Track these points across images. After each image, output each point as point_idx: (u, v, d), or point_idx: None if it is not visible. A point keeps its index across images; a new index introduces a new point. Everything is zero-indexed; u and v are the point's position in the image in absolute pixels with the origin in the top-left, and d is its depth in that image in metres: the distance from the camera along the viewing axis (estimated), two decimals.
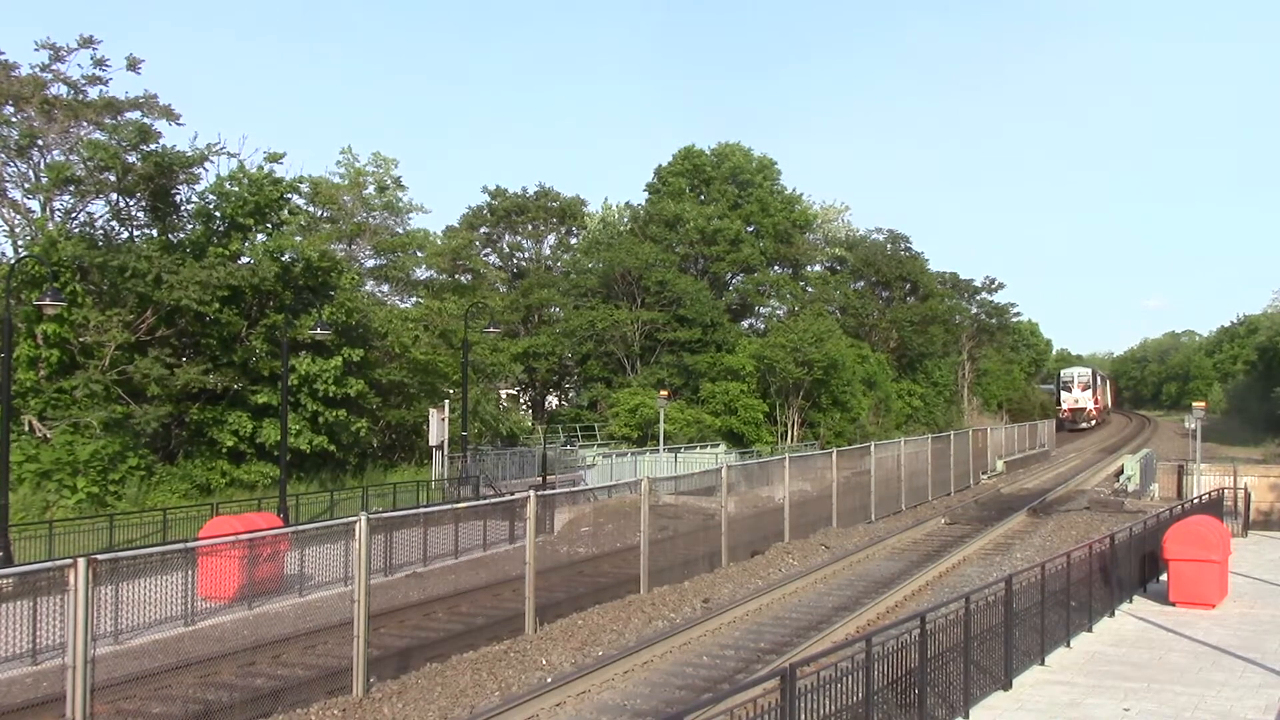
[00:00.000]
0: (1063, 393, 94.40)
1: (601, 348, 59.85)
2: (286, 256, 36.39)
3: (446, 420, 37.09)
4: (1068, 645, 13.92)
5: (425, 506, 28.37)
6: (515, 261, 71.47)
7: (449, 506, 25.48)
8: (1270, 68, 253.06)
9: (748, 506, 24.45)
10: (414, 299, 55.36)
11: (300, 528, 20.85)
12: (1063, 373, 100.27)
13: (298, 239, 37.44)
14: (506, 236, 70.99)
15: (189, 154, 35.64)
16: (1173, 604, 16.65)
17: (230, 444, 33.95)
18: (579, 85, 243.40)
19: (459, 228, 67.27)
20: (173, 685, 13.25)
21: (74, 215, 34.99)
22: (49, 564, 13.76)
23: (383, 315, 42.51)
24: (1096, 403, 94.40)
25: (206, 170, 37.60)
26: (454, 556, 22.56)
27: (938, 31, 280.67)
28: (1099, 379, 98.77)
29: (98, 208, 35.61)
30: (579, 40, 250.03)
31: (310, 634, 15.68)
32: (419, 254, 55.85)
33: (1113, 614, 16.05)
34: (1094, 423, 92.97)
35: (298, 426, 34.41)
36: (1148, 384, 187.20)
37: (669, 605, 17.32)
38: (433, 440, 37.30)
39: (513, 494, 25.63)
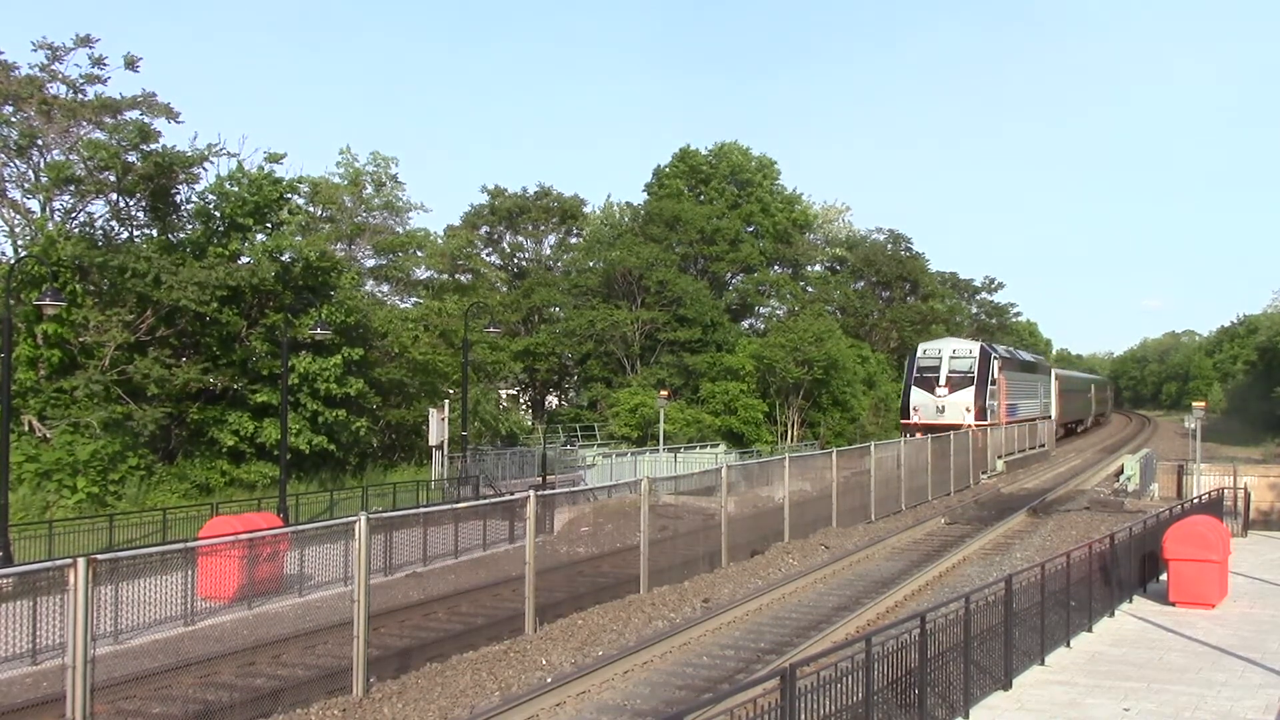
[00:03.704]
0: (914, 391, 48.94)
1: (601, 347, 59.88)
2: (286, 256, 36.42)
3: (446, 420, 37.08)
4: (1068, 645, 13.92)
5: (425, 506, 28.35)
6: (516, 261, 71.52)
7: (449, 506, 25.47)
8: (1270, 68, 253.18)
9: (748, 506, 24.43)
10: (414, 299, 55.41)
11: (300, 528, 20.84)
12: (922, 350, 51.01)
13: (297, 239, 37.46)
14: (507, 236, 71.08)
15: (189, 154, 35.66)
16: (1173, 604, 16.65)
17: (230, 444, 33.96)
18: (579, 85, 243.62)
19: (459, 227, 67.35)
20: (173, 685, 13.24)
21: (74, 215, 35.01)
22: (49, 564, 13.75)
23: (383, 315, 42.56)
24: (978, 415, 46.75)
25: (206, 170, 37.65)
26: (454, 556, 22.55)
27: (938, 31, 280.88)
28: (995, 367, 49.35)
29: (98, 208, 35.70)
30: (579, 40, 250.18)
31: (310, 634, 15.67)
32: (419, 254, 55.90)
33: (1113, 614, 16.05)
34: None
35: (297, 426, 34.41)
36: (1148, 384, 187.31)
37: (669, 605, 17.31)
38: (433, 440, 37.30)
39: (513, 494, 25.62)
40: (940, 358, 49.16)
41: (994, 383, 48.92)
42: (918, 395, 48.78)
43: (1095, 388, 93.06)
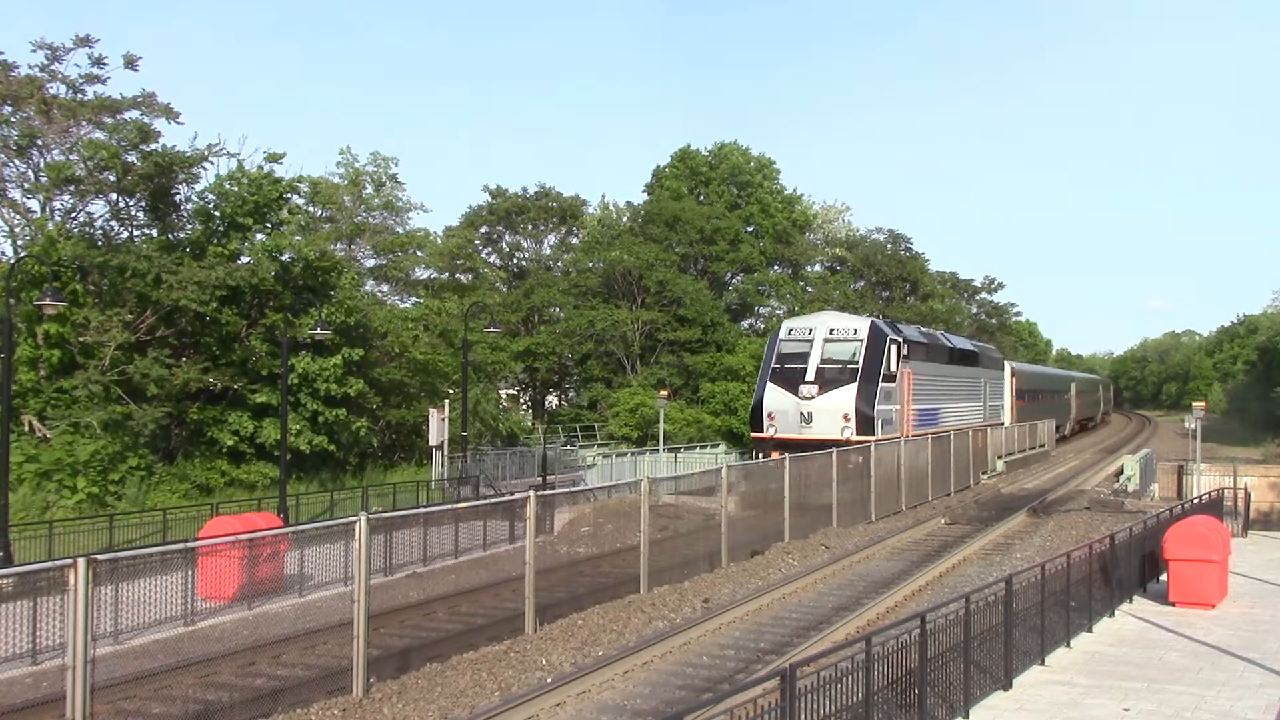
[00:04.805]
0: (770, 390, 33.60)
1: (601, 347, 59.89)
2: (286, 256, 36.42)
3: (446, 420, 37.09)
4: (1068, 645, 13.92)
5: (425, 506, 28.35)
6: (515, 261, 71.53)
7: (449, 506, 25.46)
8: (1271, 67, 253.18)
9: (748, 506, 24.43)
10: (414, 299, 55.43)
11: (300, 528, 20.83)
12: (786, 330, 35.02)
13: (297, 239, 37.48)
14: (507, 236, 71.06)
15: (189, 154, 35.65)
16: (1173, 604, 16.64)
17: (230, 444, 33.96)
18: (579, 85, 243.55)
19: (459, 227, 67.34)
20: (173, 685, 13.24)
21: (74, 215, 35.02)
22: (49, 564, 13.77)
23: (383, 315, 42.55)
24: (862, 426, 32.17)
25: (206, 170, 37.68)
26: (454, 556, 22.54)
27: (938, 31, 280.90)
28: (894, 355, 33.98)
29: (98, 208, 35.72)
30: (579, 40, 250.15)
31: (310, 634, 15.67)
32: (419, 254, 55.93)
33: (1113, 614, 16.05)
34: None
35: (298, 426, 34.40)
36: (1148, 384, 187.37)
37: (669, 605, 17.31)
38: (433, 440, 37.30)
39: (513, 494, 25.62)
40: (811, 340, 33.71)
41: (892, 379, 33.92)
42: (774, 397, 33.28)
43: (1078, 388, 76.36)
